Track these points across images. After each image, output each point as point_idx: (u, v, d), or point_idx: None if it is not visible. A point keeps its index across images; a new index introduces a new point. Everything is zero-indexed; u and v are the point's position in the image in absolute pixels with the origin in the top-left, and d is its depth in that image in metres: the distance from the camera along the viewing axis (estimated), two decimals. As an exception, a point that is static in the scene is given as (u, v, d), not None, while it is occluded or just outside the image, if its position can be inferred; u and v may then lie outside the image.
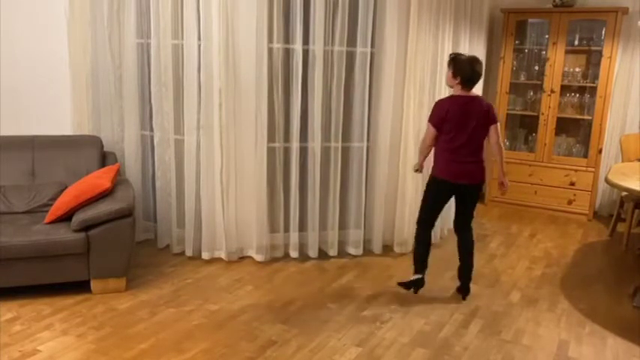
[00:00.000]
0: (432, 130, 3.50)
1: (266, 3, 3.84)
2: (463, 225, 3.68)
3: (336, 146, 4.17)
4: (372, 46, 4.15)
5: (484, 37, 5.40)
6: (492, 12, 5.81)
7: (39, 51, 4.24)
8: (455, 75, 3.44)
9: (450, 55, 3.55)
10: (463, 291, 3.72)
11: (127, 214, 3.46)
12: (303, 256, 4.26)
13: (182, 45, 3.99)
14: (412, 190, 4.40)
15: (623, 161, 5.25)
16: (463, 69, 3.43)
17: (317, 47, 3.96)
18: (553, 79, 5.57)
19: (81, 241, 3.37)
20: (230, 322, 3.24)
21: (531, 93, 5.85)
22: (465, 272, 3.71)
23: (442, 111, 3.46)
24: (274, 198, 4.19)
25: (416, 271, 3.70)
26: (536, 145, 5.77)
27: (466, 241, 3.68)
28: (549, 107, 5.63)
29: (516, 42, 5.74)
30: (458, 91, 3.48)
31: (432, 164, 3.61)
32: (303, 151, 4.15)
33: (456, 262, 4.35)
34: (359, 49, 4.08)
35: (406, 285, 3.70)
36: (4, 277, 3.31)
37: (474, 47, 5.10)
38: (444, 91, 4.54)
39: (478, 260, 4.41)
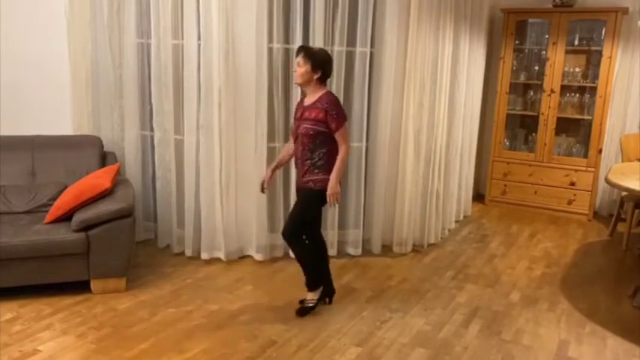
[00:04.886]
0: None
1: (266, 3, 3.84)
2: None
3: (336, 146, 4.17)
4: (372, 46, 4.15)
5: (484, 37, 5.41)
6: (492, 12, 5.81)
7: (39, 51, 4.24)
8: (315, 68, 3.10)
9: (301, 46, 3.20)
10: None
11: (127, 214, 3.46)
12: (303, 256, 4.26)
13: (182, 45, 4.00)
14: (411, 189, 4.40)
15: (623, 161, 5.25)
16: (326, 61, 3.14)
17: (317, 47, 3.96)
18: (553, 79, 5.57)
19: (81, 241, 3.37)
20: (230, 322, 3.24)
21: (531, 93, 5.85)
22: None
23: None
24: (274, 198, 4.19)
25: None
26: (536, 145, 5.77)
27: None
28: (549, 107, 5.63)
29: (516, 42, 5.73)
30: (318, 86, 3.15)
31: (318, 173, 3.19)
32: (303, 151, 4.15)
33: (456, 262, 4.36)
34: (359, 49, 4.08)
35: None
36: (4, 277, 3.31)
37: (474, 47, 5.11)
38: (444, 91, 4.55)
39: (478, 260, 4.43)
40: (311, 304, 3.39)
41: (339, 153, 3.15)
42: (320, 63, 3.10)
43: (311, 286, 3.40)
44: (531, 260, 4.48)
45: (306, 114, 3.16)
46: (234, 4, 3.84)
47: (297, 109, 3.32)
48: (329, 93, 3.19)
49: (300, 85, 3.19)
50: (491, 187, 6.02)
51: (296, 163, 3.33)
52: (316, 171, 3.17)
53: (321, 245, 3.45)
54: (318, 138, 3.13)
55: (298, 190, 3.34)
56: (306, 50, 3.12)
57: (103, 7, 4.12)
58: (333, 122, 3.10)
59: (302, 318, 3.32)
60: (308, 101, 3.20)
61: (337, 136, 3.13)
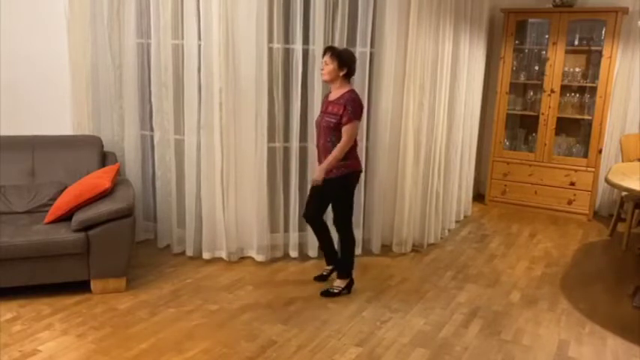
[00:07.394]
0: (357, 127, 3.47)
1: (266, 3, 3.84)
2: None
3: (336, 146, 4.17)
4: (372, 46, 4.15)
5: (484, 37, 5.41)
6: (492, 12, 5.81)
7: (39, 51, 4.24)
8: (341, 66, 3.38)
9: (328, 47, 3.48)
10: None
11: (127, 214, 3.46)
12: (303, 256, 4.26)
13: (182, 45, 4.00)
14: (411, 189, 4.40)
15: (623, 161, 5.26)
16: (351, 60, 3.43)
17: (317, 47, 3.96)
18: (553, 79, 5.57)
19: (81, 241, 3.37)
20: (230, 322, 3.24)
21: (531, 93, 5.85)
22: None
23: (362, 105, 3.47)
24: (274, 198, 4.19)
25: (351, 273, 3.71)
26: (536, 145, 5.77)
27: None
28: (549, 107, 5.63)
29: (516, 42, 5.73)
30: (343, 83, 3.44)
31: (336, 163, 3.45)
32: (303, 151, 4.15)
33: (456, 262, 4.37)
34: (359, 49, 4.07)
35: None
36: (4, 277, 3.31)
37: (474, 47, 5.11)
38: (444, 91, 4.55)
39: (478, 260, 4.43)
40: (336, 290, 3.62)
41: (339, 142, 3.39)
42: (345, 61, 3.40)
43: (341, 273, 3.67)
44: (531, 260, 4.48)
45: (330, 108, 3.46)
46: (234, 4, 3.84)
47: (323, 103, 3.63)
48: (352, 91, 3.46)
49: (327, 82, 3.49)
50: (492, 187, 6.03)
51: (318, 154, 3.59)
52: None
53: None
54: (339, 131, 3.40)
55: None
56: (332, 50, 3.42)
57: (103, 7, 4.12)
58: (345, 116, 3.37)
59: (324, 298, 3.56)
60: (333, 96, 3.50)
61: (343, 129, 3.39)
